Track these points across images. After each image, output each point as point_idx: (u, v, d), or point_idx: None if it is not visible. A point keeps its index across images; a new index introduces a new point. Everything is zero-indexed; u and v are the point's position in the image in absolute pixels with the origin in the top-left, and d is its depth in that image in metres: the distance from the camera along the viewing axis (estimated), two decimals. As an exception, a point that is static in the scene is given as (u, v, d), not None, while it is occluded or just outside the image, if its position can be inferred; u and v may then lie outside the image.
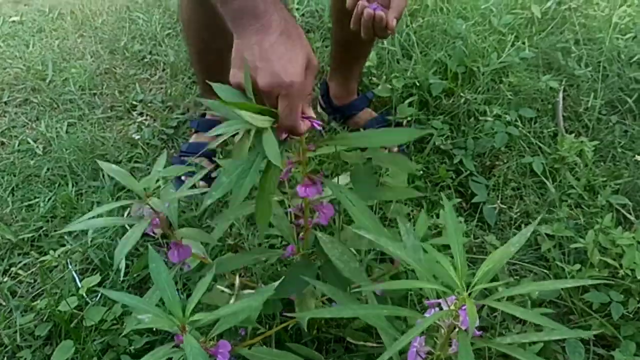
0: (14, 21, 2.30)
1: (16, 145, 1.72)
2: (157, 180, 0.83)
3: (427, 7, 2.09)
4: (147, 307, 0.65)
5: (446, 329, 0.68)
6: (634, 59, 1.83)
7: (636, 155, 1.49)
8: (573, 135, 1.63)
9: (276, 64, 0.74)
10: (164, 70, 2.01)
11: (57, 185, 1.57)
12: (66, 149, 1.67)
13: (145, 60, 2.06)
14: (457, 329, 0.66)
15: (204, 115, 1.71)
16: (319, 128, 0.81)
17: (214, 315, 0.65)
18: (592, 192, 1.50)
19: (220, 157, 1.59)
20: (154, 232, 0.85)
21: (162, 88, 1.94)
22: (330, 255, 0.85)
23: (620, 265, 1.16)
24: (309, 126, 0.79)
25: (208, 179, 1.53)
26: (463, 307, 0.62)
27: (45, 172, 1.61)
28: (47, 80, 1.96)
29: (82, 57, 2.08)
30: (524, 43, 1.96)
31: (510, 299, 1.15)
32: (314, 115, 0.80)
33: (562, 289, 1.23)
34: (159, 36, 2.13)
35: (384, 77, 1.81)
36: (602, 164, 1.60)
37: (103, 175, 1.57)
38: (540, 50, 1.96)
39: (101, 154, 1.65)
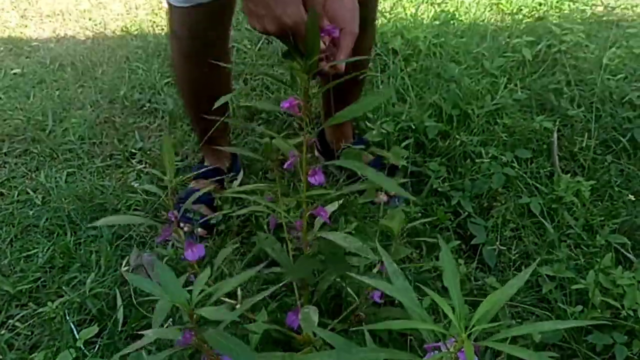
0: (15, 73, 2.34)
1: (15, 195, 1.73)
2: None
3: (421, 51, 2.13)
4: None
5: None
6: (626, 99, 1.86)
7: (629, 195, 1.50)
8: (569, 175, 1.64)
9: (276, 9, 0.84)
10: (162, 118, 2.04)
11: (55, 235, 1.57)
12: (65, 199, 1.68)
13: (144, 108, 2.08)
14: None
15: (202, 161, 1.72)
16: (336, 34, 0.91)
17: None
18: (590, 231, 1.50)
19: (219, 202, 1.60)
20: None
21: (161, 136, 1.96)
22: (334, 238, 0.94)
23: (622, 306, 1.15)
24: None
25: (207, 226, 1.53)
26: (462, 350, 0.62)
27: (44, 222, 1.61)
28: (47, 131, 1.98)
29: (82, 106, 2.11)
30: (516, 85, 1.99)
31: (513, 341, 1.13)
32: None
33: (565, 331, 1.21)
34: (158, 85, 2.16)
35: (379, 121, 1.83)
36: (599, 203, 1.60)
37: (102, 227, 1.57)
38: (532, 92, 1.99)
39: (100, 203, 1.65)
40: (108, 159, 1.87)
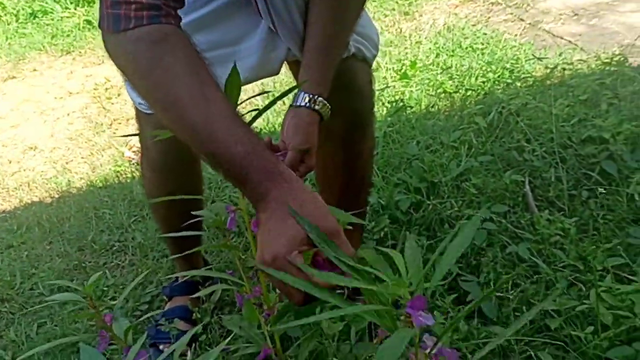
0: (-18, 245, 2.30)
1: (-17, 357, 1.61)
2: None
3: (379, 140, 2.16)
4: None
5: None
6: (584, 138, 1.87)
7: (599, 188, 1.45)
8: (553, 216, 1.60)
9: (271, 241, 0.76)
10: (133, 254, 1.98)
11: (27, 386, 1.44)
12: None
13: (114, 248, 2.03)
14: None
15: (176, 280, 1.65)
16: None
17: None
18: (585, 262, 1.42)
19: (198, 315, 1.51)
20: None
21: (132, 270, 1.89)
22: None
23: (634, 314, 1.06)
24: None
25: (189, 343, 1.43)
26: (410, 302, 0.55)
27: (14, 376, 1.49)
28: (16, 288, 1.91)
29: (50, 260, 2.05)
30: (478, 149, 2.00)
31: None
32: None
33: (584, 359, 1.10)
34: (125, 223, 2.13)
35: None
36: (586, 237, 1.55)
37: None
38: (495, 154, 2.00)
39: (73, 343, 1.54)
40: (79, 303, 1.77)
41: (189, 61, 0.82)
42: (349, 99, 1.21)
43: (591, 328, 1.11)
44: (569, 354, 1.15)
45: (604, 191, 1.63)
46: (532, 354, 1.21)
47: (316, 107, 1.05)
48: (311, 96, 1.05)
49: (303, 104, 1.05)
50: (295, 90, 1.06)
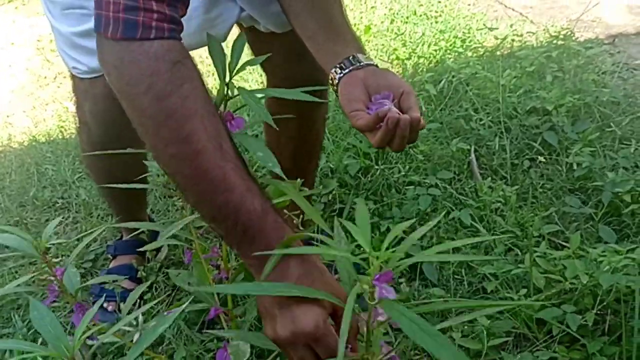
0: None
1: None
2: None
3: (330, 104, 2.16)
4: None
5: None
6: (529, 109, 1.93)
7: (539, 157, 1.51)
8: (495, 184, 1.65)
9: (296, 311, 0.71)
10: (77, 211, 1.94)
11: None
12: (-27, 305, 1.53)
13: (57, 205, 1.99)
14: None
15: (120, 238, 1.63)
16: None
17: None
18: (522, 229, 1.48)
19: (144, 274, 1.50)
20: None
21: (76, 227, 1.86)
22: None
23: (565, 278, 1.12)
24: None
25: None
26: (377, 277, 0.57)
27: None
28: (-48, 245, 1.85)
29: (-11, 216, 1.99)
30: (428, 116, 2.03)
31: (465, 336, 1.07)
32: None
33: (517, 320, 1.16)
34: (69, 180, 2.08)
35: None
36: (525, 205, 1.61)
37: (16, 322, 1.44)
38: (444, 122, 2.03)
39: (13, 300, 1.52)
40: (21, 259, 1.74)
41: (205, 97, 0.76)
42: (303, 67, 1.20)
43: (525, 291, 1.17)
44: (502, 315, 1.20)
45: (544, 160, 1.69)
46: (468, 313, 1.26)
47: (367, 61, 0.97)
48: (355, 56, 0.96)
49: (365, 62, 0.95)
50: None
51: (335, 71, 0.95)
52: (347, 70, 0.94)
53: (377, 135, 0.87)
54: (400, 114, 0.87)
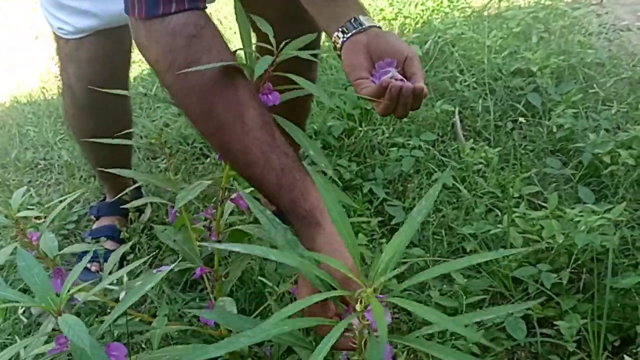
0: None
1: None
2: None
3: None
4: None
5: (358, 333, 0.61)
6: (513, 70, 1.92)
7: (521, 119, 1.52)
8: (478, 145, 1.65)
9: None
10: (59, 173, 1.93)
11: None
12: (-44, 266, 1.53)
13: (40, 166, 1.97)
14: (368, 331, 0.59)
15: (104, 199, 1.62)
16: None
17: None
18: (503, 190, 1.50)
19: (127, 235, 1.50)
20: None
21: (59, 189, 1.85)
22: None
23: (542, 238, 1.13)
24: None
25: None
26: (369, 308, 0.55)
27: None
28: None
29: (-30, 177, 1.98)
30: (411, 78, 2.02)
31: (442, 294, 1.09)
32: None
33: (494, 279, 1.18)
34: (51, 141, 2.06)
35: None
36: (507, 167, 1.62)
37: (-1, 282, 1.44)
38: (429, 83, 2.02)
39: (-5, 262, 1.52)
40: (3, 219, 1.73)
41: (225, 65, 0.75)
42: (294, 29, 1.17)
43: (502, 250, 1.18)
44: (480, 274, 1.22)
45: (524, 121, 1.70)
46: (447, 273, 1.28)
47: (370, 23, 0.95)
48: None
49: (367, 25, 0.93)
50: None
51: (337, 35, 0.94)
52: (349, 35, 0.93)
53: (381, 105, 0.88)
54: (405, 80, 0.88)
